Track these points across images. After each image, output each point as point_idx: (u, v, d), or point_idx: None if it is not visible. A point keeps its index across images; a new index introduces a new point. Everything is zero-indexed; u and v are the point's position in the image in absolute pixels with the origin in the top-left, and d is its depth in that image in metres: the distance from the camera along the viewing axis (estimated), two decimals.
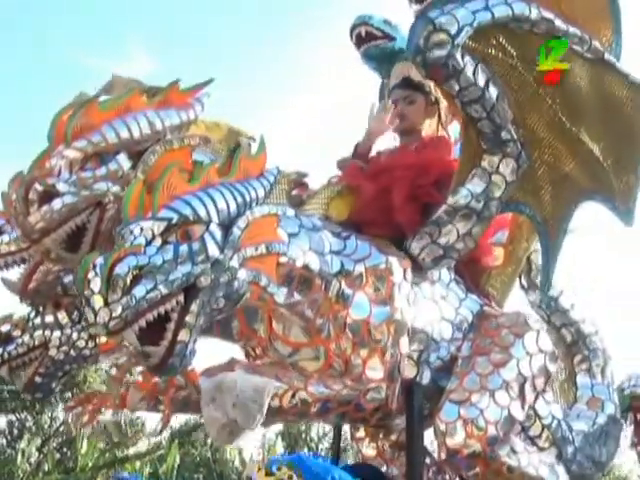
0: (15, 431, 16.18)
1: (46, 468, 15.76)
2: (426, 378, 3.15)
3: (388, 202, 3.23)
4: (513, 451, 3.13)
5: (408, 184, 3.24)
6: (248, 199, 2.61)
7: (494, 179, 3.14)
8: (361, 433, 3.63)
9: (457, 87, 2.91)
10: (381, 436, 3.56)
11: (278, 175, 2.80)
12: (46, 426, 18.29)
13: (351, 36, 4.03)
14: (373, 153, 3.62)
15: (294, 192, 3.05)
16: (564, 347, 4.02)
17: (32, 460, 17.01)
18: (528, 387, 3.21)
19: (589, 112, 3.28)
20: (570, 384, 3.97)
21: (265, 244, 2.61)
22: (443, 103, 3.60)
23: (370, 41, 4.00)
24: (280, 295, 2.68)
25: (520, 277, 3.98)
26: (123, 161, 2.72)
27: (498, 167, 3.14)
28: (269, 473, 2.64)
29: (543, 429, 3.45)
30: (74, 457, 16.53)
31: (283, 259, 2.69)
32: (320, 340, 2.90)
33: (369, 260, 2.97)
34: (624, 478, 15.54)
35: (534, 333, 3.30)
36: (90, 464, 16.35)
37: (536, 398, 3.38)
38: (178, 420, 21.60)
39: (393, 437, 3.47)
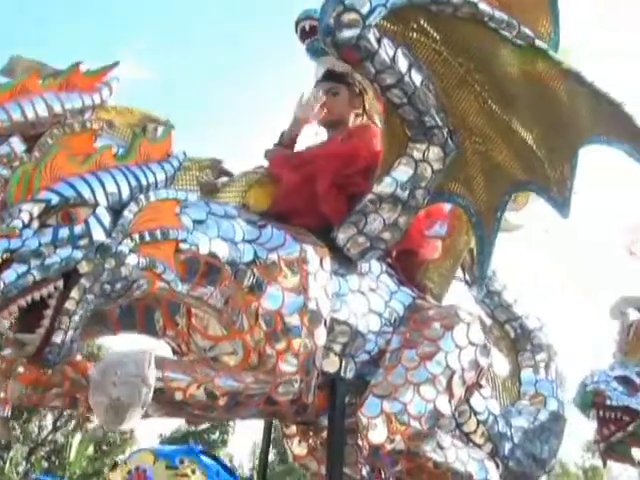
0: (3, 440, 16.08)
1: (34, 477, 15.74)
2: (351, 372, 3.06)
3: (312, 192, 3.15)
4: (440, 446, 3.01)
5: (332, 173, 3.17)
6: (145, 183, 2.49)
7: (420, 167, 3.06)
8: (292, 430, 3.54)
9: (373, 70, 2.82)
10: (311, 433, 3.47)
11: (186, 161, 2.71)
12: (34, 434, 18.23)
13: (296, 30, 3.96)
14: (302, 147, 3.55)
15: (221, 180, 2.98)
16: (508, 342, 3.95)
17: (20, 469, 16.96)
18: (457, 380, 3.11)
19: (521, 100, 3.19)
20: (515, 380, 3.89)
21: (161, 229, 2.49)
22: (369, 94, 3.53)
23: (314, 35, 3.91)
24: (178, 283, 2.56)
25: (464, 272, 3.90)
26: (16, 144, 2.61)
27: (424, 155, 3.06)
28: (170, 466, 2.56)
29: (478, 425, 3.38)
30: (62, 466, 16.50)
31: (184, 245, 2.58)
32: (236, 333, 2.82)
33: (283, 249, 2.87)
34: (615, 477, 15.67)
35: (464, 325, 3.21)
36: (78, 472, 16.30)
37: (471, 393, 3.30)
38: (169, 427, 21.54)
39: (324, 434, 3.37)
